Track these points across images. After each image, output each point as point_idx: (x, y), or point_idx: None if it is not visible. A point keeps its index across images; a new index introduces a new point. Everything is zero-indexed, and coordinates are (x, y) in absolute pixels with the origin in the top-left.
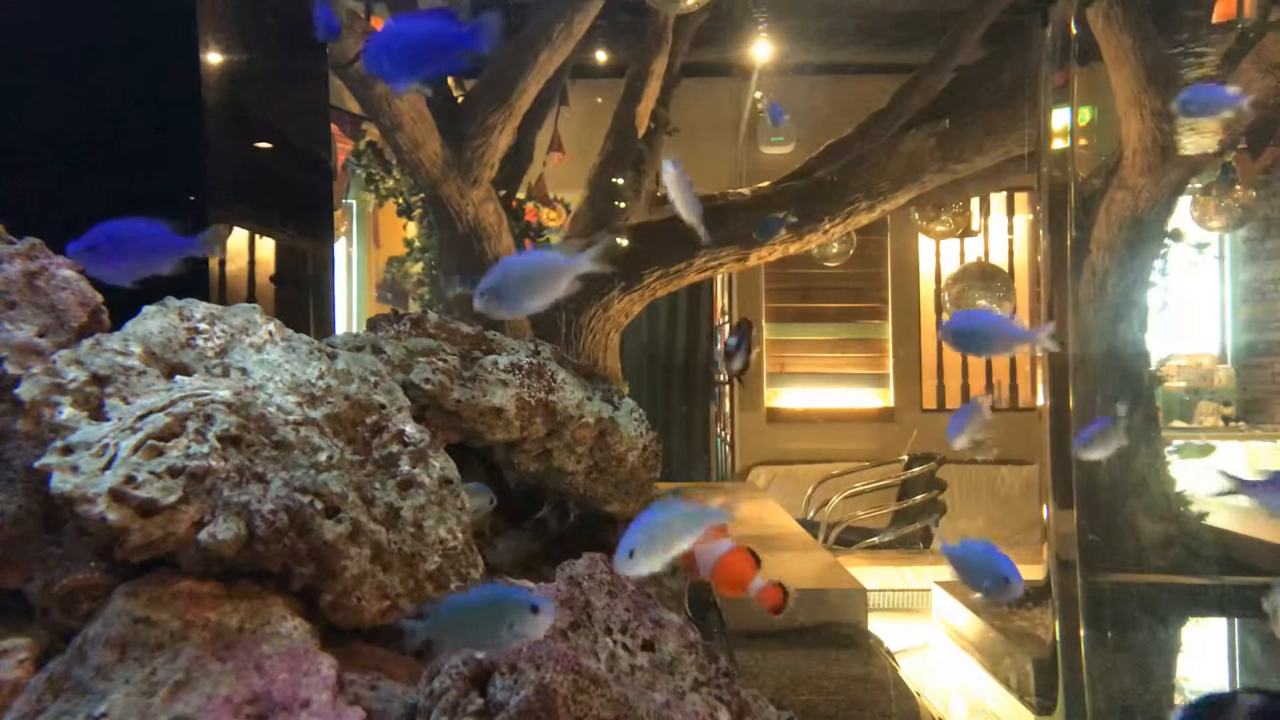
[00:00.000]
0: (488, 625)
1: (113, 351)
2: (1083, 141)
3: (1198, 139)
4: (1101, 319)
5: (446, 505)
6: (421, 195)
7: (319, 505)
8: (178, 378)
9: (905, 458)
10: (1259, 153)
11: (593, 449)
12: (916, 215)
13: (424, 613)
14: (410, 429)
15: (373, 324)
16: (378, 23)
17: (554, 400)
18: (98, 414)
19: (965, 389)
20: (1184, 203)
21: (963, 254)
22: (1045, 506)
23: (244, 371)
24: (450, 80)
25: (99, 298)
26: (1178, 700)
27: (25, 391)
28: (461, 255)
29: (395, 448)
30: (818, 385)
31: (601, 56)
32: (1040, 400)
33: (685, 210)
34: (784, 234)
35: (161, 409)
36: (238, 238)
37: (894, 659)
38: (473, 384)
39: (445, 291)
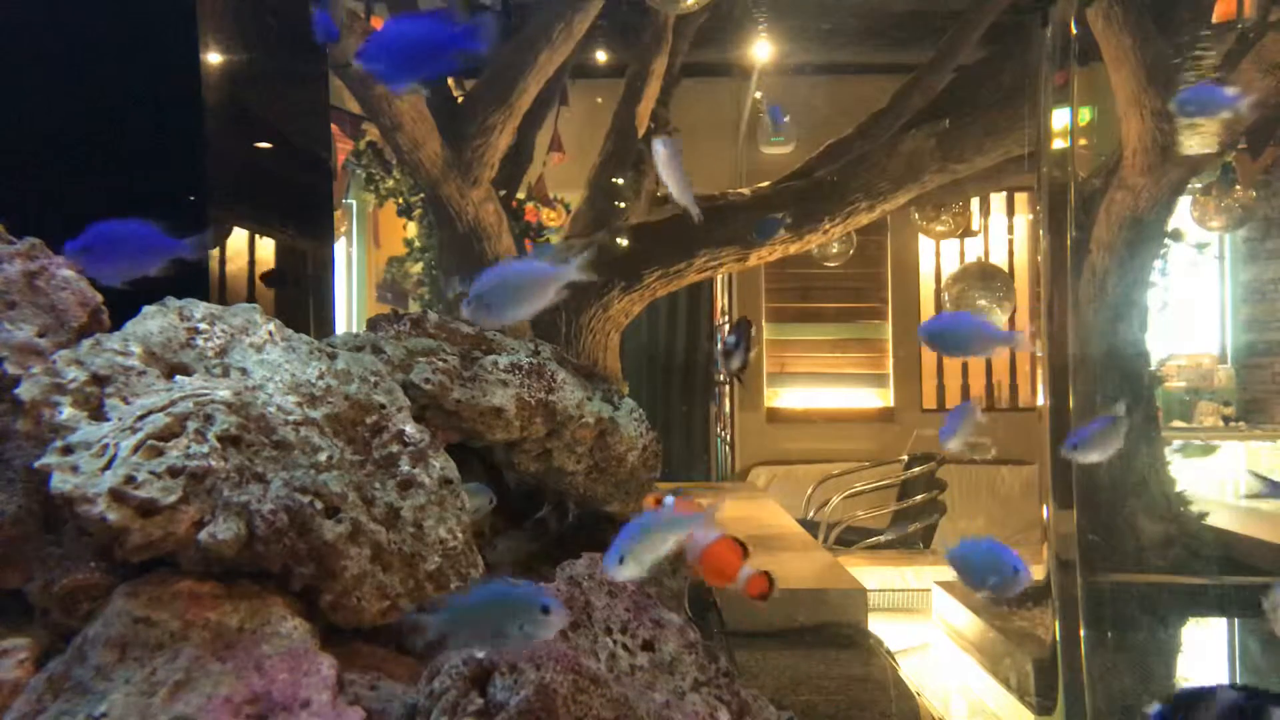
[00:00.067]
0: (501, 622)
1: (113, 351)
2: (1083, 141)
3: (1198, 139)
4: (1101, 319)
5: (446, 505)
6: (421, 195)
7: (319, 505)
8: (178, 378)
9: (905, 458)
10: (1259, 153)
11: (593, 449)
12: (916, 215)
13: (435, 608)
14: (410, 429)
15: (373, 324)
16: (378, 23)
17: (554, 400)
18: (98, 414)
19: (965, 389)
20: (1184, 203)
21: (963, 254)
22: (1045, 506)
23: (244, 371)
24: (450, 80)
25: (99, 298)
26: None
27: (25, 391)
28: (461, 255)
29: (395, 448)
30: (818, 385)
31: (601, 56)
32: (1040, 400)
33: (676, 189)
34: (783, 234)
35: (161, 409)
36: (238, 238)
37: (894, 659)
38: (473, 384)
39: (445, 291)
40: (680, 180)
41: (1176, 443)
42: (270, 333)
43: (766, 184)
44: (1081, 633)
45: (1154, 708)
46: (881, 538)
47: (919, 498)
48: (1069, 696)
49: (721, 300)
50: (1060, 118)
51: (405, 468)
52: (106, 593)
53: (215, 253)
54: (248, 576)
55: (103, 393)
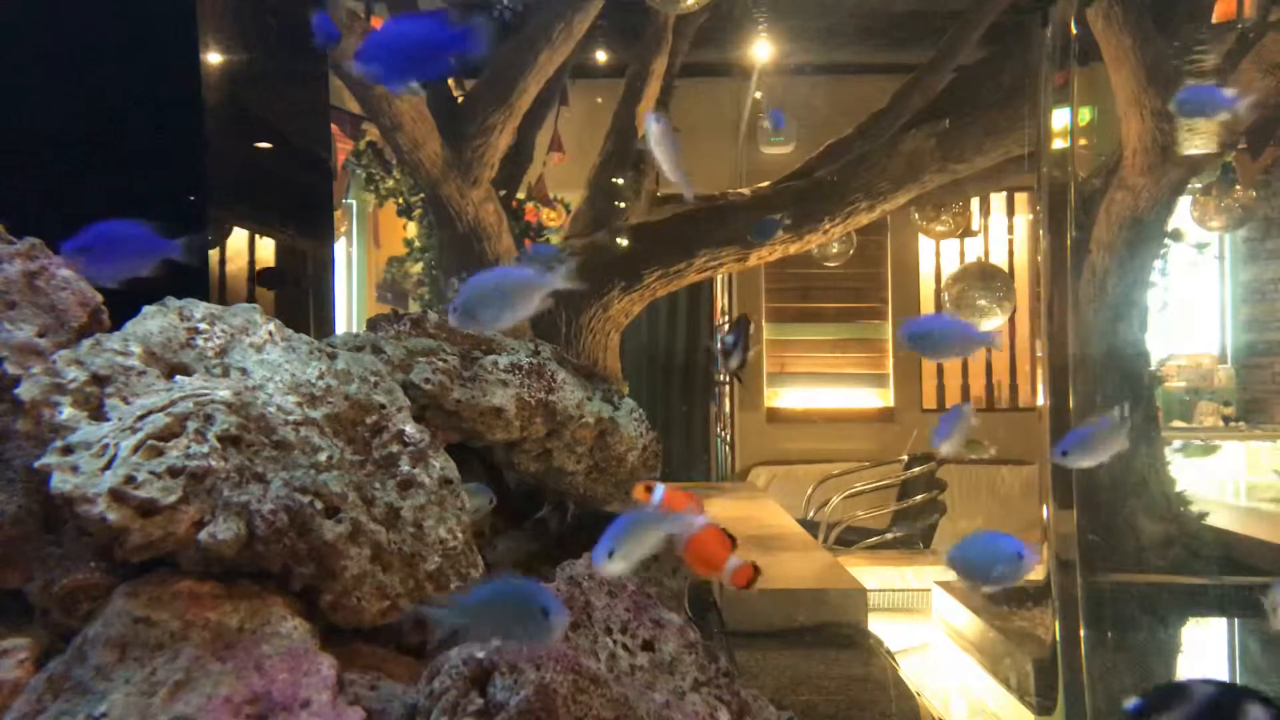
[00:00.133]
0: (511, 619)
1: (113, 351)
2: (1083, 141)
3: (1198, 139)
4: (1101, 319)
5: (446, 505)
6: (421, 195)
7: (319, 505)
8: (178, 378)
9: (905, 458)
10: (1259, 153)
11: (593, 449)
12: (916, 215)
13: (448, 603)
14: (410, 429)
15: (373, 324)
16: (378, 23)
17: (554, 400)
18: (98, 414)
19: (965, 389)
20: (1184, 203)
21: (963, 254)
22: (1045, 506)
23: (244, 371)
24: (450, 80)
25: (99, 298)
26: None
27: (25, 391)
28: (461, 255)
29: (395, 448)
30: (818, 385)
31: (601, 56)
32: (1040, 400)
33: (669, 167)
34: (782, 234)
35: (161, 409)
36: (238, 238)
37: (894, 659)
38: (473, 384)
39: (445, 291)
40: (673, 159)
41: (1177, 443)
42: (270, 333)
43: (766, 184)
44: (1081, 633)
45: (1131, 702)
46: (888, 535)
47: (919, 498)
48: (1069, 696)
49: (721, 300)
50: (1060, 118)
51: (405, 468)
52: (106, 593)
53: (215, 253)
54: (248, 576)
55: (103, 393)
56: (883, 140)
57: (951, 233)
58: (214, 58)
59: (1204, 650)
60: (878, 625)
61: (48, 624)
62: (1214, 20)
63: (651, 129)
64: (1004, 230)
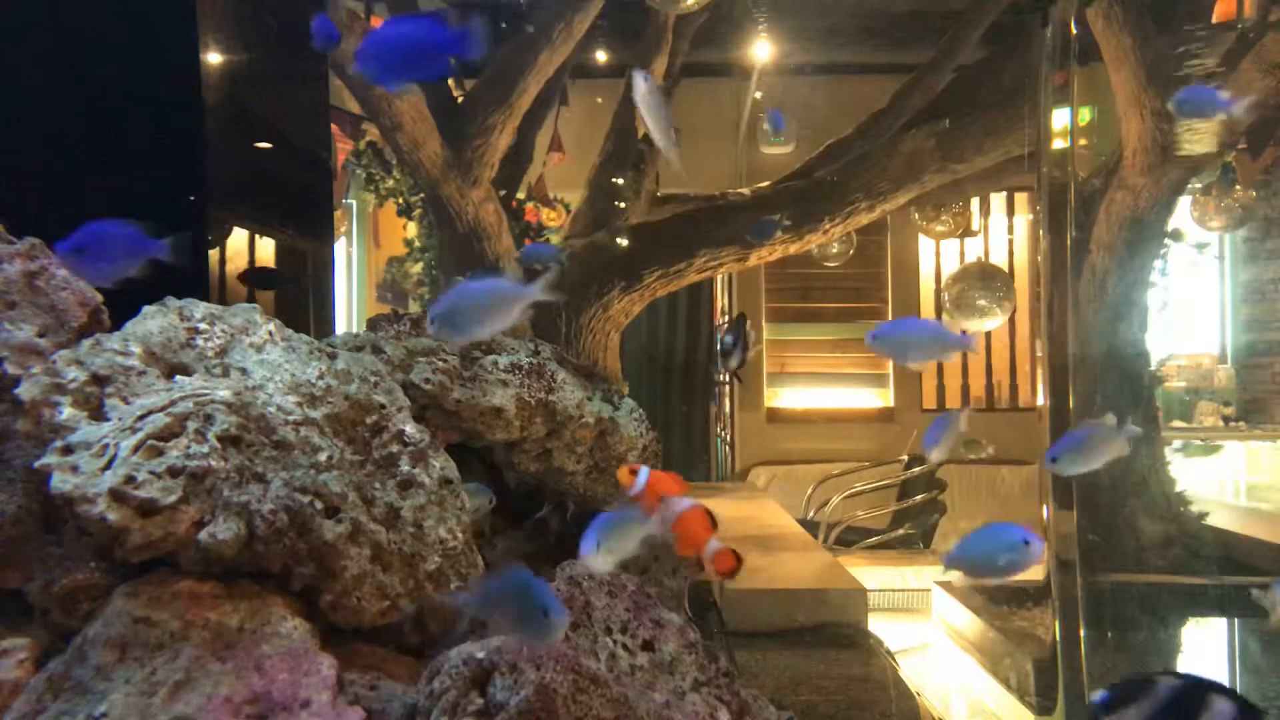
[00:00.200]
0: (517, 614)
1: (113, 351)
2: (1083, 141)
3: (1198, 139)
4: (1101, 319)
5: (446, 505)
6: (421, 195)
7: (319, 505)
8: (178, 378)
9: (905, 458)
10: (1259, 153)
11: (593, 449)
12: (916, 215)
13: (473, 590)
14: (410, 429)
15: (373, 324)
16: (378, 23)
17: (554, 400)
18: (98, 414)
19: (965, 389)
20: (1184, 203)
21: (963, 254)
22: (1045, 506)
23: (244, 371)
24: (450, 80)
25: (99, 298)
26: None
27: (25, 391)
28: (461, 255)
29: (395, 448)
30: (818, 385)
31: (601, 56)
32: (1040, 400)
33: (656, 131)
34: (781, 234)
35: (161, 409)
36: (238, 238)
37: (894, 659)
38: (473, 384)
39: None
40: (661, 120)
41: (1177, 442)
42: (270, 333)
43: (766, 184)
44: (1081, 633)
45: (1098, 694)
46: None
47: (919, 497)
48: (1069, 696)
49: (721, 300)
50: (1060, 118)
51: (405, 468)
52: (106, 593)
53: (215, 253)
54: (248, 576)
55: (103, 393)
56: (883, 140)
57: (951, 233)
58: (214, 58)
59: (1204, 650)
60: (878, 625)
61: (48, 624)
62: (1214, 20)
63: (638, 87)
64: (1004, 230)
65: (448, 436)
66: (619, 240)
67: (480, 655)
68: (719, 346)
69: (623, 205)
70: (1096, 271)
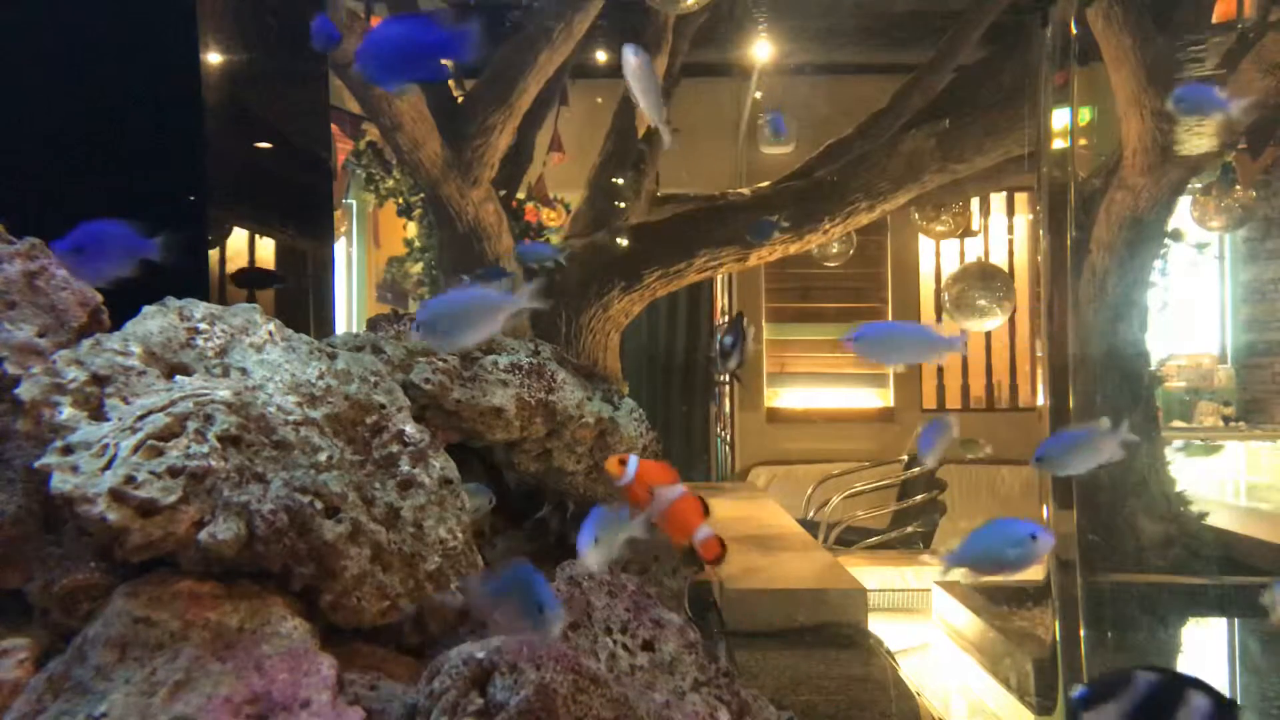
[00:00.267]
0: (515, 610)
1: (113, 351)
2: (1083, 141)
3: (1198, 139)
4: (1101, 319)
5: (446, 505)
6: (421, 195)
7: (319, 505)
8: (178, 378)
9: (905, 458)
10: (1259, 153)
11: (593, 449)
12: (916, 215)
13: (475, 585)
14: (410, 429)
15: (373, 324)
16: (378, 22)
17: (554, 400)
18: (98, 414)
19: (965, 389)
20: (1184, 203)
21: (963, 254)
22: (1045, 506)
23: (244, 371)
24: (450, 80)
25: (99, 298)
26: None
27: (25, 391)
28: (461, 255)
29: (395, 448)
30: (818, 385)
31: (601, 56)
32: (1040, 400)
33: (647, 105)
34: (781, 235)
35: (161, 409)
36: (238, 238)
37: (894, 659)
38: (473, 384)
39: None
40: (652, 95)
41: (1177, 442)
42: (270, 333)
43: (766, 184)
44: (1081, 633)
45: (1077, 690)
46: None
47: (919, 497)
48: (1069, 696)
49: (721, 300)
50: (1060, 118)
51: (405, 468)
52: (106, 593)
53: (215, 253)
54: (248, 576)
55: (103, 393)
56: (883, 140)
57: (951, 233)
58: (214, 58)
59: (1204, 650)
60: (878, 625)
61: (48, 624)
62: (1214, 20)
63: (628, 61)
64: (1004, 230)
65: (448, 436)
66: (619, 240)
67: (480, 655)
68: (718, 347)
69: (623, 205)
70: (1096, 271)
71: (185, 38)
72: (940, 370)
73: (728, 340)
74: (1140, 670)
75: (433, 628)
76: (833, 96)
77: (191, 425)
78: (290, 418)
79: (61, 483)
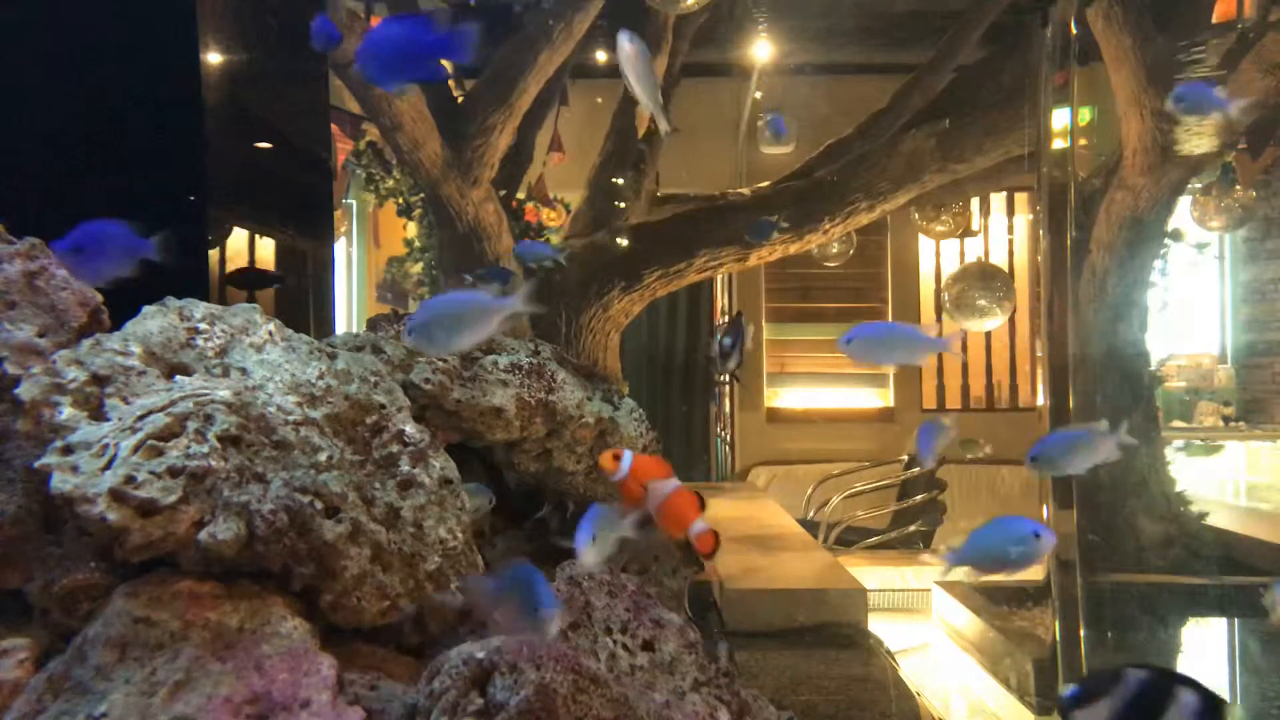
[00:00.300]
0: (515, 609)
1: (113, 351)
2: (1083, 141)
3: (1198, 139)
4: (1101, 319)
5: (446, 505)
6: (421, 195)
7: (319, 505)
8: (178, 378)
9: (905, 458)
10: (1259, 153)
11: (593, 449)
12: (916, 215)
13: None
14: (410, 429)
15: (373, 324)
16: (378, 22)
17: (554, 400)
18: (98, 414)
19: (965, 389)
20: (1184, 203)
21: (963, 254)
22: (1045, 506)
23: (244, 371)
24: (450, 80)
25: (99, 298)
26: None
27: (25, 391)
28: (461, 255)
29: (395, 448)
30: (818, 385)
31: (601, 56)
32: (1040, 400)
33: (642, 93)
34: (781, 235)
35: (161, 409)
36: (238, 238)
37: (894, 659)
38: (473, 384)
39: (447, 291)
40: (648, 83)
41: (1178, 442)
42: (270, 333)
43: (766, 184)
44: (1081, 633)
45: (1068, 689)
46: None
47: (919, 497)
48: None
49: (721, 300)
50: (1060, 118)
51: (405, 468)
52: (106, 593)
53: (215, 253)
54: (248, 576)
55: (103, 393)
56: (883, 140)
57: (951, 233)
58: (214, 58)
59: (1204, 650)
60: (878, 625)
61: (48, 624)
62: (1214, 20)
63: (623, 48)
64: (1004, 230)
65: (448, 436)
66: (619, 240)
67: (480, 655)
68: (718, 348)
69: (623, 205)
70: (1096, 271)
71: (185, 38)
72: (940, 370)
73: (726, 341)
74: (1131, 668)
75: (433, 628)
76: (833, 96)
77: (191, 425)
78: (290, 418)
79: (61, 483)
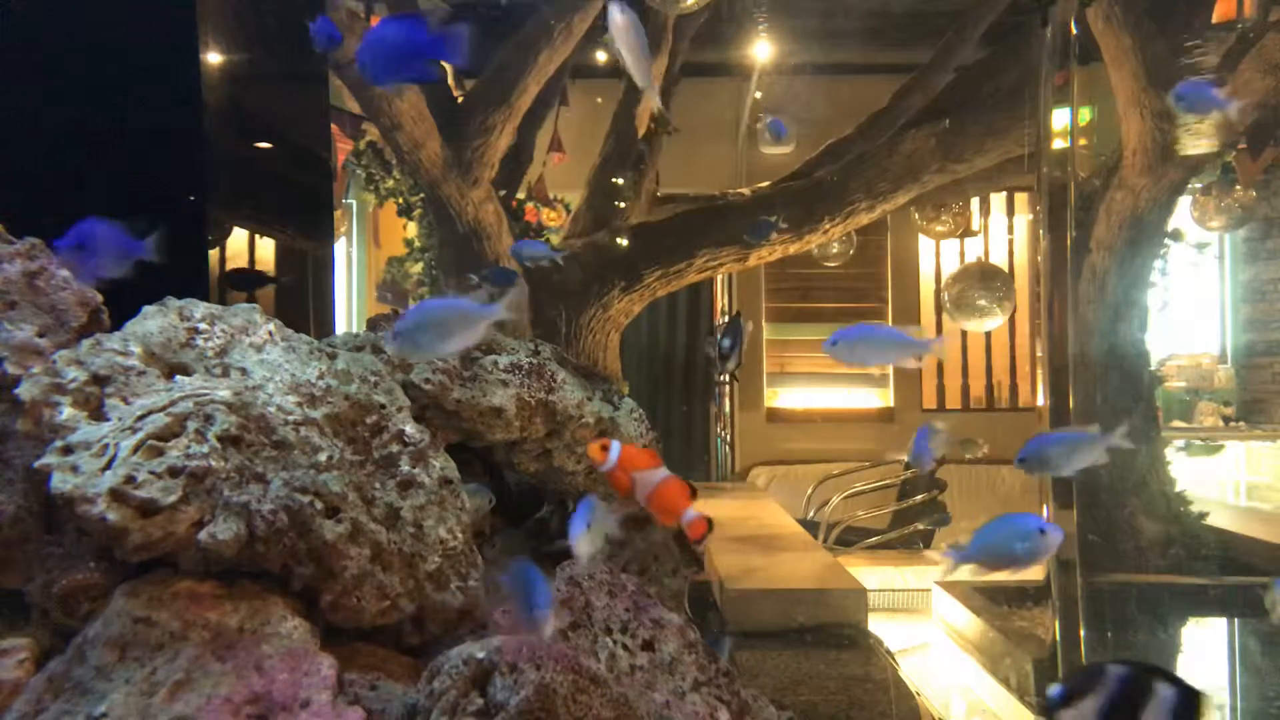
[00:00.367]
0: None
1: (113, 351)
2: (1083, 141)
3: (1198, 139)
4: (1101, 319)
5: (446, 505)
6: (421, 195)
7: (319, 505)
8: (178, 378)
9: (905, 458)
10: (1259, 153)
11: None
12: (916, 215)
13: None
14: (410, 429)
15: (373, 324)
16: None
17: (554, 400)
18: (98, 414)
19: (965, 389)
20: (1184, 203)
21: (963, 254)
22: (1045, 506)
23: (244, 371)
24: (450, 80)
25: (99, 298)
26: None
27: (25, 391)
28: (461, 255)
29: (395, 448)
30: (818, 385)
31: (601, 56)
32: (1040, 400)
33: (634, 67)
34: (778, 235)
35: (161, 409)
36: (238, 238)
37: (894, 659)
38: (473, 384)
39: (445, 291)
40: (640, 56)
41: (1178, 442)
42: (270, 333)
43: (766, 184)
44: (1081, 633)
45: (1054, 689)
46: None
47: (919, 497)
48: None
49: (721, 300)
50: (1060, 118)
51: (405, 468)
52: (106, 593)
53: (215, 253)
54: (248, 576)
55: (103, 393)
56: (883, 140)
57: (951, 233)
58: (214, 58)
59: (1204, 650)
60: (878, 625)
61: (48, 624)
62: (1214, 20)
63: (614, 19)
64: (1004, 230)
65: (448, 436)
66: (619, 240)
67: (480, 655)
68: (717, 349)
69: (623, 205)
70: (1096, 271)
71: (185, 38)
72: (940, 371)
73: (725, 342)
74: (1112, 665)
75: (433, 628)
76: (833, 96)
77: (191, 425)
78: (290, 418)
79: (61, 483)
